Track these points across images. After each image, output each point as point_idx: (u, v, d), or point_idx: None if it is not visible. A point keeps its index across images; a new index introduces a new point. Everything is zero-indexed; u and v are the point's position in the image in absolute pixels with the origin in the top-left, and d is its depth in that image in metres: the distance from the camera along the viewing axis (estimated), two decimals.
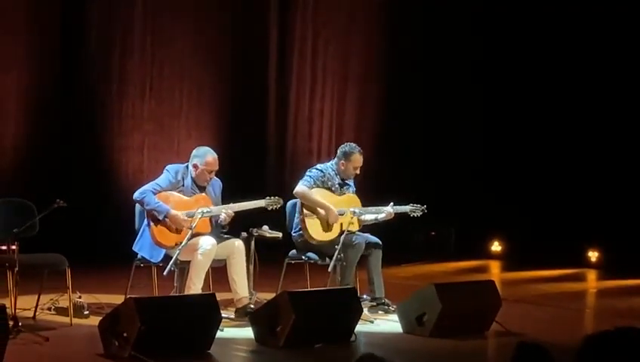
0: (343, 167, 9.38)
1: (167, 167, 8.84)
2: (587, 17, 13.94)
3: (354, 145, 9.58)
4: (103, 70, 12.69)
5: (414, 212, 9.57)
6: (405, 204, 9.56)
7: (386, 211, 9.35)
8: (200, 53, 13.36)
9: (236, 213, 8.72)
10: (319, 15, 14.33)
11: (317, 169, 9.43)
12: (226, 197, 8.88)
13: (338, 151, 9.51)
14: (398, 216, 9.55)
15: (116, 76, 12.78)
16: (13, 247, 7.94)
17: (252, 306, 8.48)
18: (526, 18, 14.45)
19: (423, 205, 9.59)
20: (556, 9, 14.10)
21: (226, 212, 8.60)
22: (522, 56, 14.55)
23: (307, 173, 9.41)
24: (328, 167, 9.44)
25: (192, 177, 8.74)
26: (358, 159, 9.39)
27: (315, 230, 9.22)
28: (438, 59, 14.52)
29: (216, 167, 8.78)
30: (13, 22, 11.96)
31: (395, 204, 9.45)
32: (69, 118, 12.33)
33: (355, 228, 9.16)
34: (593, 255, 13.89)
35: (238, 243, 8.70)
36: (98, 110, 12.69)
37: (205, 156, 8.75)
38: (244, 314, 8.41)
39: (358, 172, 9.44)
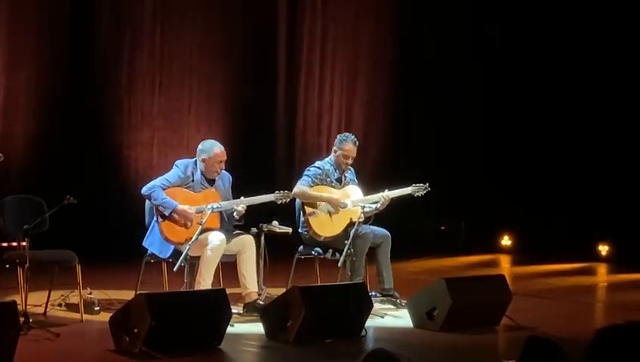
0: (335, 155, 9.37)
1: (176, 163, 8.85)
2: (601, 13, 13.93)
3: (350, 134, 9.58)
4: (112, 66, 12.71)
5: (418, 192, 9.46)
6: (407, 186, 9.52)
7: (382, 198, 9.26)
8: (209, 49, 13.36)
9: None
10: (328, 10, 14.31)
11: (315, 166, 9.39)
12: (236, 193, 8.89)
13: (335, 141, 9.51)
14: (403, 200, 9.50)
15: (125, 72, 12.80)
16: (24, 244, 7.97)
17: (261, 301, 8.49)
18: (542, 9, 14.41)
19: (425, 183, 9.51)
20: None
21: (242, 206, 8.60)
22: (535, 50, 14.50)
23: (305, 173, 9.38)
24: (326, 162, 9.41)
25: (201, 172, 8.75)
26: (350, 148, 9.32)
27: (320, 227, 9.21)
28: (447, 53, 14.49)
29: (225, 158, 8.79)
30: (22, 20, 11.98)
31: (396, 188, 9.41)
32: (79, 114, 12.35)
33: (362, 219, 9.09)
34: (603, 248, 13.87)
35: (248, 239, 8.71)
36: (107, 106, 12.71)
37: (212, 148, 8.76)
38: (253, 309, 8.43)
39: (349, 161, 9.34)
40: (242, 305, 8.62)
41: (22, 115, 12.04)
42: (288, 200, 8.97)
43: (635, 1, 13.72)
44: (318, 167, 9.37)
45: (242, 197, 8.73)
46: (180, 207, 8.52)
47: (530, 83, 14.50)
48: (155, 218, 8.61)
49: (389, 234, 9.34)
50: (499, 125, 14.57)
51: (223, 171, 8.87)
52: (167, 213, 8.51)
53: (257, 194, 8.82)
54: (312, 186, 9.24)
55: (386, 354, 4.08)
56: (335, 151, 9.38)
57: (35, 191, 8.85)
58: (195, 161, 8.79)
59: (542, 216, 14.00)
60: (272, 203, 8.88)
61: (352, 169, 9.52)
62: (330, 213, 9.23)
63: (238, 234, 8.75)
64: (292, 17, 14.05)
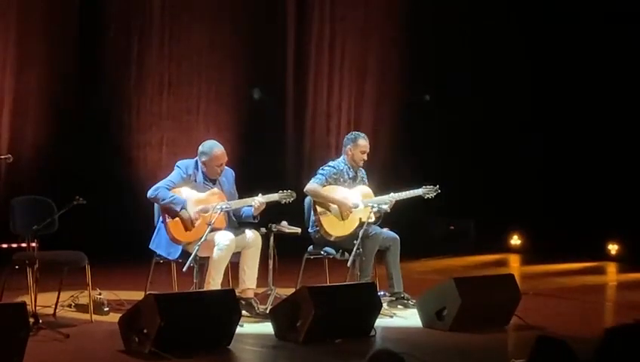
0: (351, 153, 9.39)
1: (177, 163, 8.86)
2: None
3: (357, 132, 9.71)
4: (121, 67, 12.73)
5: (428, 194, 9.49)
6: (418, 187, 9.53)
7: (389, 200, 9.26)
8: (218, 49, 13.38)
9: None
10: (337, 10, 14.32)
11: (330, 166, 9.43)
12: (245, 193, 8.88)
13: (344, 141, 9.54)
14: (413, 201, 9.50)
15: (134, 72, 12.82)
16: (33, 244, 7.99)
17: (262, 307, 8.44)
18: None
19: (435, 185, 9.52)
20: None
21: (260, 201, 8.61)
22: (549, 51, 14.48)
23: (319, 171, 9.42)
24: (340, 162, 9.44)
25: (202, 172, 8.75)
26: (363, 143, 9.40)
27: (331, 226, 9.23)
28: (456, 52, 14.48)
29: (225, 159, 8.79)
30: (32, 21, 12.00)
31: (405, 188, 9.42)
32: (88, 115, 12.37)
33: (372, 219, 9.12)
34: (613, 248, 13.86)
35: (253, 236, 8.70)
36: (116, 107, 12.74)
37: (212, 151, 8.74)
38: (248, 308, 8.37)
39: (365, 157, 9.42)
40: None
41: (31, 116, 12.07)
42: (292, 199, 8.94)
43: None
44: (333, 167, 9.39)
45: (258, 196, 8.70)
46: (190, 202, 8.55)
47: (540, 83, 14.48)
48: (161, 219, 8.62)
49: (397, 237, 9.37)
50: (507, 125, 14.54)
51: (225, 167, 8.87)
52: (178, 209, 8.51)
53: (266, 194, 8.80)
54: (324, 185, 9.26)
55: (390, 354, 4.09)
56: (348, 151, 9.40)
57: (44, 192, 8.87)
58: (196, 161, 8.79)
59: (551, 215, 13.99)
60: (280, 204, 8.87)
61: (363, 170, 9.54)
62: (340, 212, 9.25)
63: (243, 231, 8.73)
64: (301, 17, 14.06)
